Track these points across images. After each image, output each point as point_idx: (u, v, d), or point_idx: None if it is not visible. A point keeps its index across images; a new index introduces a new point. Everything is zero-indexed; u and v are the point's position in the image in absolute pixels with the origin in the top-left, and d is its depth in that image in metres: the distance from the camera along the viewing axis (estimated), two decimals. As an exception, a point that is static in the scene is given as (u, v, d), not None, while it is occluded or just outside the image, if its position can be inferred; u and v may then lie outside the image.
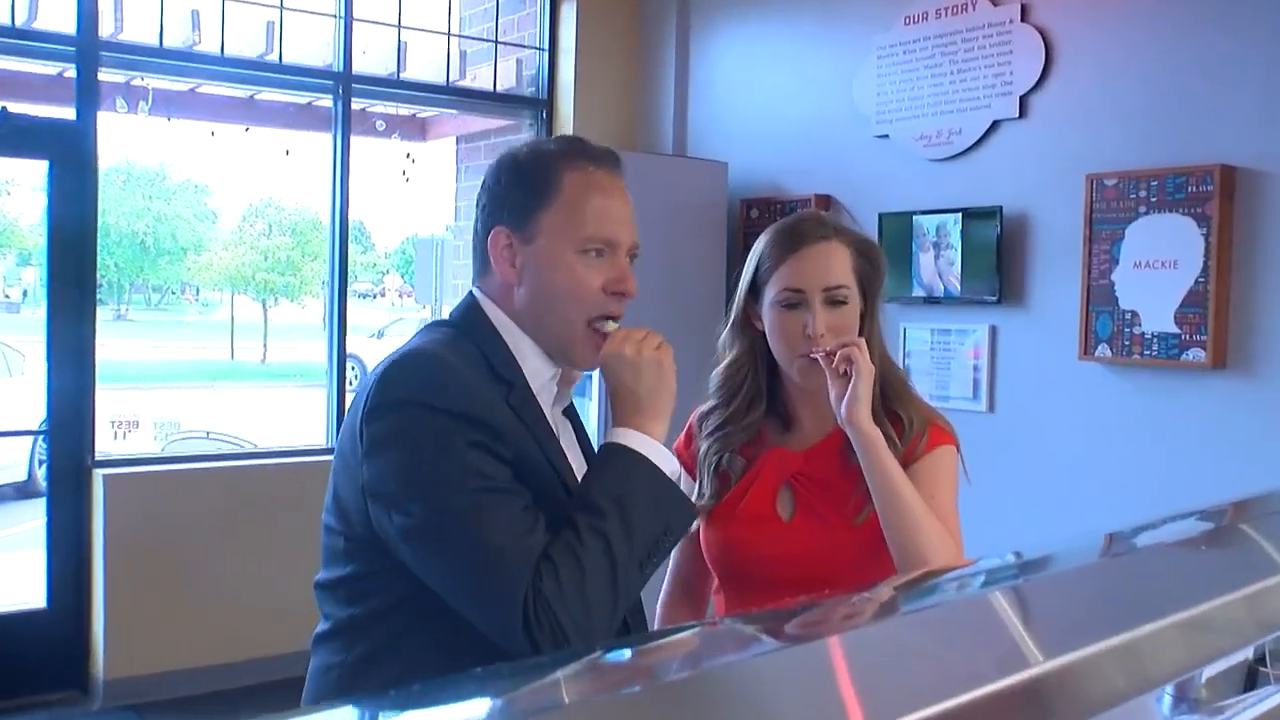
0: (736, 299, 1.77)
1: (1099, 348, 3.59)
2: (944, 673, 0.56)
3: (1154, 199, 3.46)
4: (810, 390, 1.72)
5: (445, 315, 1.57)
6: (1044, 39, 3.78)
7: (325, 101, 4.85)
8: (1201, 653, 0.77)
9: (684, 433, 1.88)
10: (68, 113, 4.17)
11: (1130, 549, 0.95)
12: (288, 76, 4.70)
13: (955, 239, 3.94)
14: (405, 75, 5.02)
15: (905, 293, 4.06)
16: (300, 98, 5.14)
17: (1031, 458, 3.78)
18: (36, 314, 6.49)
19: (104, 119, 4.23)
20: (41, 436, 4.50)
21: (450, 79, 5.11)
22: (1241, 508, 1.07)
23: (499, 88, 5.21)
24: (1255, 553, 0.89)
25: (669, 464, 1.38)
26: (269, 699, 3.96)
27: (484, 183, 1.47)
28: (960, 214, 3.93)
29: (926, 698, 0.52)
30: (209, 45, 4.53)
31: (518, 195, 1.42)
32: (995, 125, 3.92)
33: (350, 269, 4.84)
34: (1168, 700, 0.95)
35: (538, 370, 1.43)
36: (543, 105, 5.18)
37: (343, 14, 4.66)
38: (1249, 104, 3.31)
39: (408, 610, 1.33)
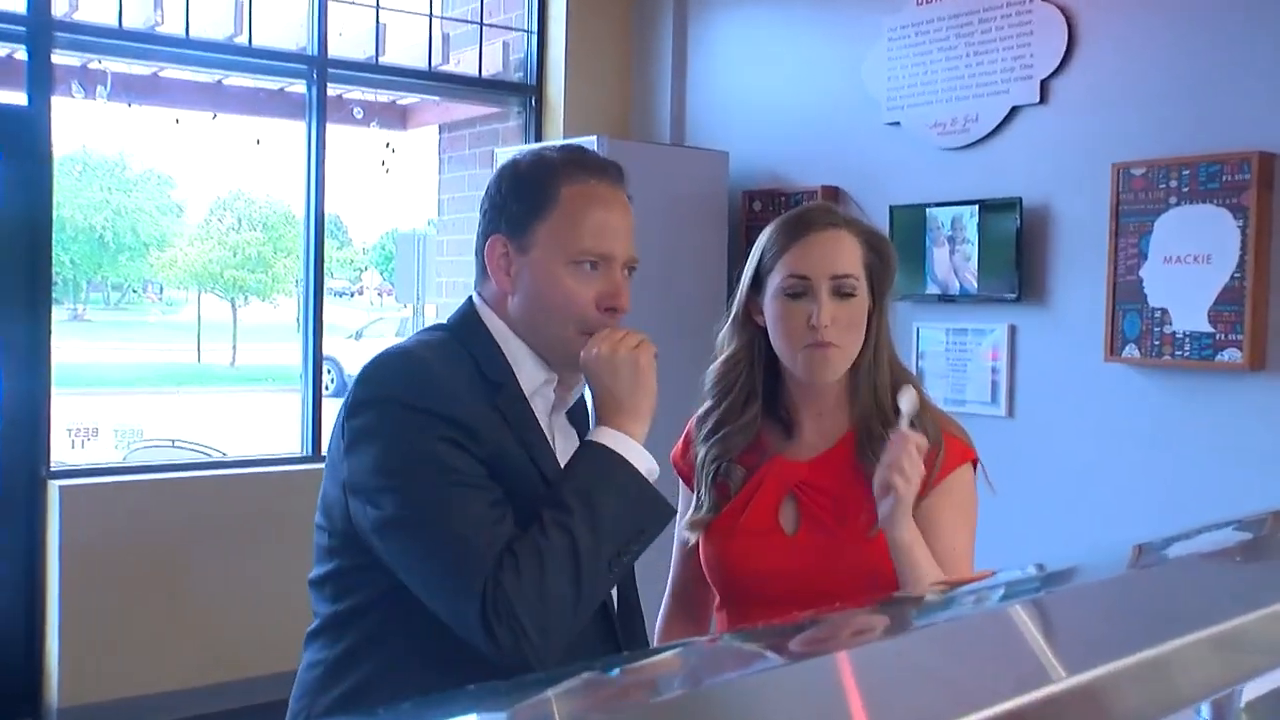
0: (738, 293, 1.78)
1: (1126, 348, 3.59)
2: (959, 690, 0.56)
3: (1185, 189, 3.47)
4: (812, 394, 1.73)
5: (426, 314, 1.66)
6: (1066, 19, 3.79)
7: (298, 87, 4.86)
8: (1237, 671, 0.78)
9: (681, 440, 1.88)
10: (18, 98, 4.17)
11: (1161, 560, 0.95)
12: (258, 60, 4.70)
13: (971, 233, 3.95)
14: (384, 59, 5.03)
15: (918, 290, 4.07)
16: (272, 83, 5.14)
17: (1053, 466, 3.79)
18: (-12, 314, 6.46)
19: (58, 105, 4.23)
20: (-7, 446, 4.48)
21: (432, 63, 5.12)
22: (1280, 517, 1.07)
23: (484, 73, 5.21)
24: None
25: (645, 463, 1.46)
26: (238, 727, 3.97)
27: (487, 189, 1.59)
28: (977, 206, 3.94)
29: (940, 717, 0.52)
30: (173, 26, 4.53)
31: (515, 205, 1.53)
32: (1014, 111, 3.93)
33: (326, 266, 4.84)
34: (1202, 722, 0.96)
35: (533, 375, 1.53)
36: (531, 91, 5.19)
37: (317, -7, 4.67)
38: (1285, 88, 3.32)
39: (388, 605, 1.43)
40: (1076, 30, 3.78)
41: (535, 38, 5.17)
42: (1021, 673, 0.57)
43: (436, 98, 5.54)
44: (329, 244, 4.90)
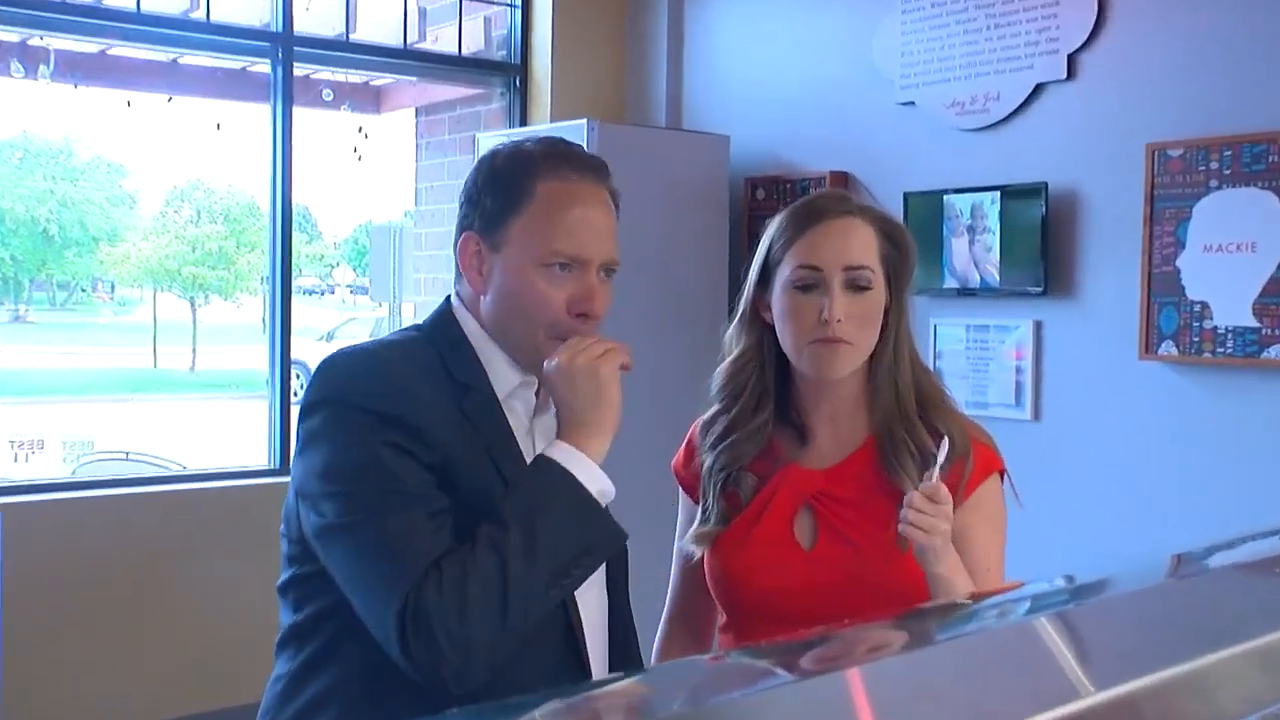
0: (745, 289, 1.78)
1: (1163, 345, 3.60)
2: (982, 707, 0.56)
3: (1227, 171, 3.48)
4: (826, 396, 1.73)
5: (403, 314, 1.71)
6: (1095, -12, 3.80)
7: (262, 67, 4.85)
8: (1282, 687, 0.78)
9: (683, 447, 1.88)
10: (-45, 80, 4.16)
11: (1201, 571, 0.96)
12: (217, 37, 4.69)
13: (993, 221, 3.96)
14: (355, 36, 5.03)
15: (935, 284, 4.07)
16: (233, 62, 5.14)
17: (1083, 473, 3.79)
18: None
19: (-1, 87, 4.22)
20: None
21: (408, 40, 5.12)
22: (1329, 525, 1.07)
23: (464, 51, 5.21)
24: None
25: (597, 483, 1.49)
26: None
27: (464, 181, 1.63)
28: (998, 192, 3.95)
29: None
30: None
31: (490, 200, 1.58)
32: (1039, 89, 3.94)
33: (294, 261, 4.84)
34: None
35: (507, 378, 1.59)
36: (515, 71, 5.19)
37: (281, -36, 4.67)
38: (1332, 62, 3.33)
39: (345, 615, 1.48)
40: (1107, 0, 3.78)
41: (520, 12, 5.17)
42: (1046, 689, 0.57)
43: (413, 78, 5.54)
44: (297, 238, 4.90)
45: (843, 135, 4.47)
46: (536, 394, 1.64)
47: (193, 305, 21.44)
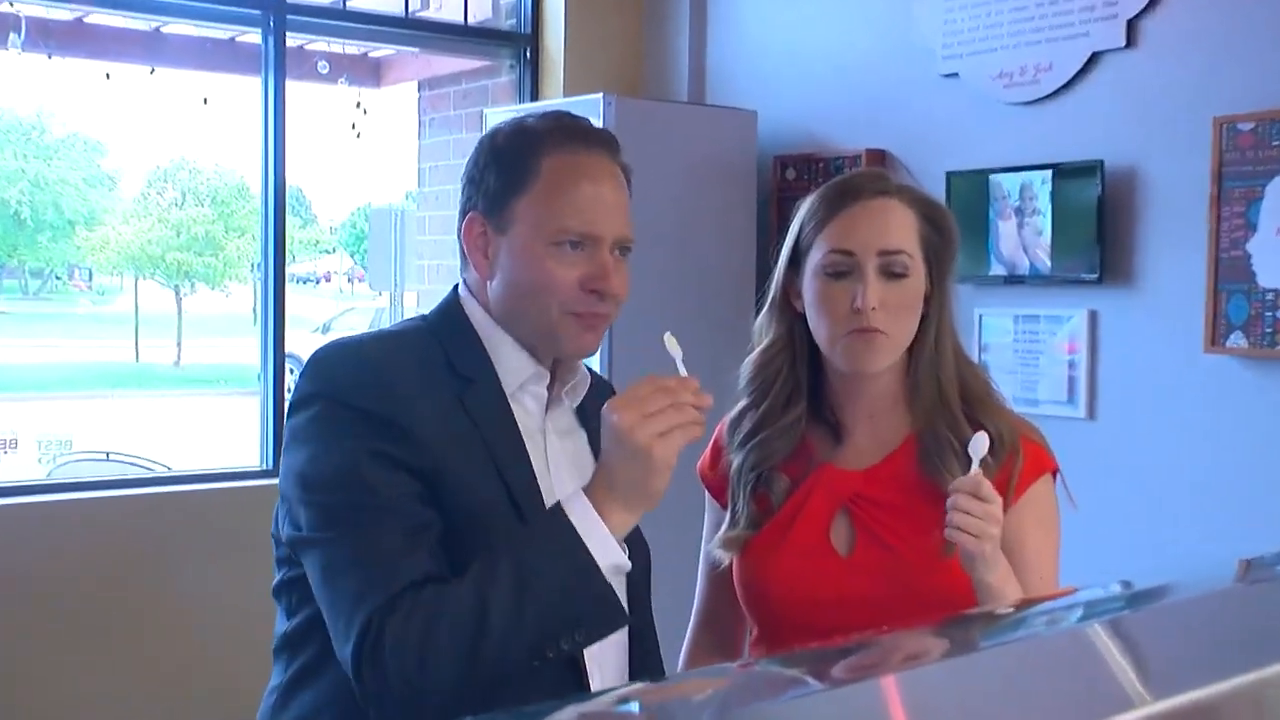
0: (775, 274, 1.79)
1: (1231, 336, 3.59)
2: (1029, 718, 0.57)
3: (1297, 149, 3.46)
4: (862, 391, 1.74)
5: (405, 304, 1.73)
6: (1156, -51, 3.79)
7: (252, 36, 4.87)
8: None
9: (709, 448, 1.89)
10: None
11: (1271, 576, 0.96)
12: (204, 4, 4.71)
13: (1044, 202, 3.95)
14: (353, 4, 5.04)
15: (981, 270, 4.07)
16: (220, 31, 5.16)
17: (1143, 476, 3.78)
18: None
19: (-35, 57, 4.24)
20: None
21: (409, 9, 5.13)
22: None
23: (470, 20, 5.22)
24: None
25: (610, 557, 1.43)
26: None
27: (467, 162, 1.66)
28: (1050, 171, 3.94)
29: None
30: (104, -35, 4.55)
31: (494, 179, 1.60)
32: (1095, 58, 3.93)
33: (287, 247, 4.86)
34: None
35: (517, 370, 1.61)
36: (526, 42, 5.19)
37: (273, -74, 4.68)
38: None
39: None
40: (1168, -38, 3.77)
41: (530, -23, 5.18)
42: (1096, 699, 0.58)
43: (415, 49, 5.55)
44: (290, 222, 4.91)
45: (880, 110, 4.47)
46: (550, 387, 1.65)
47: (177, 294, 21.51)
